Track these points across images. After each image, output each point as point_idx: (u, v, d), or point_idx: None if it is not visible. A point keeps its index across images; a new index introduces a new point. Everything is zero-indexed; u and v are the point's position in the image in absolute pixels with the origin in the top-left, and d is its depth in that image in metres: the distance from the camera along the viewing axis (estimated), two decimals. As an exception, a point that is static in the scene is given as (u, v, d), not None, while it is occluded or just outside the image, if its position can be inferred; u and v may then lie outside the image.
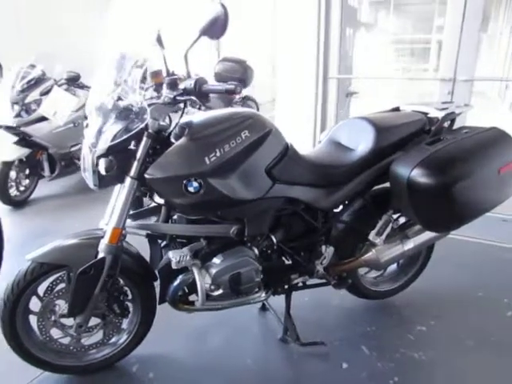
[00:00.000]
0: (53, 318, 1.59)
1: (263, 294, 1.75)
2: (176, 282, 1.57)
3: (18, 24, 4.22)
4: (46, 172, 3.90)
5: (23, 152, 3.63)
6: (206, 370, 1.77)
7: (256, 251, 1.64)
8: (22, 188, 3.77)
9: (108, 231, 1.47)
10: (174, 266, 1.49)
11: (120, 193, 1.48)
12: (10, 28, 4.26)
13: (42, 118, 3.64)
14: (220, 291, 1.57)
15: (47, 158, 3.86)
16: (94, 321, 1.64)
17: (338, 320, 2.09)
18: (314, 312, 2.13)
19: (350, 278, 1.91)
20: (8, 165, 3.56)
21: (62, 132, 3.78)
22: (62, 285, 1.58)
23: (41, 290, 1.57)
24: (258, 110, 6.57)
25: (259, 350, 1.89)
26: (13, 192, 3.69)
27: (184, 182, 1.41)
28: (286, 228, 1.70)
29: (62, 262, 1.50)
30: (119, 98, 1.38)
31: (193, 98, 1.35)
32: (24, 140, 3.62)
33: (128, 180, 1.45)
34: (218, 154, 1.43)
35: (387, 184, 1.75)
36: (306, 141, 3.41)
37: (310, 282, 1.89)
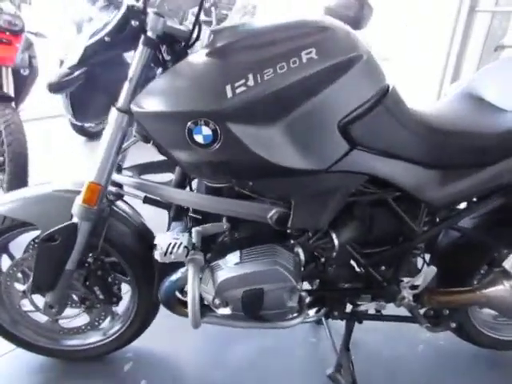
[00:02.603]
0: (24, 286, 1.20)
1: (311, 313, 1.16)
2: (173, 277, 1.05)
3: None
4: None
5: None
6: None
7: (301, 255, 1.01)
8: (97, 119, 3.57)
9: (83, 187, 0.99)
10: (158, 258, 0.96)
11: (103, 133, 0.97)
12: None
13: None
14: (227, 310, 1.00)
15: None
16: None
17: (421, 367, 1.40)
18: (387, 347, 1.46)
19: (454, 318, 1.20)
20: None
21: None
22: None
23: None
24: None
25: (296, 384, 1.33)
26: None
27: (188, 124, 0.83)
28: (361, 225, 1.04)
29: (27, 218, 1.08)
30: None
31: None
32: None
33: (114, 113, 0.93)
34: (250, 82, 0.81)
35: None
36: (426, 91, 2.51)
37: (388, 311, 1.23)
